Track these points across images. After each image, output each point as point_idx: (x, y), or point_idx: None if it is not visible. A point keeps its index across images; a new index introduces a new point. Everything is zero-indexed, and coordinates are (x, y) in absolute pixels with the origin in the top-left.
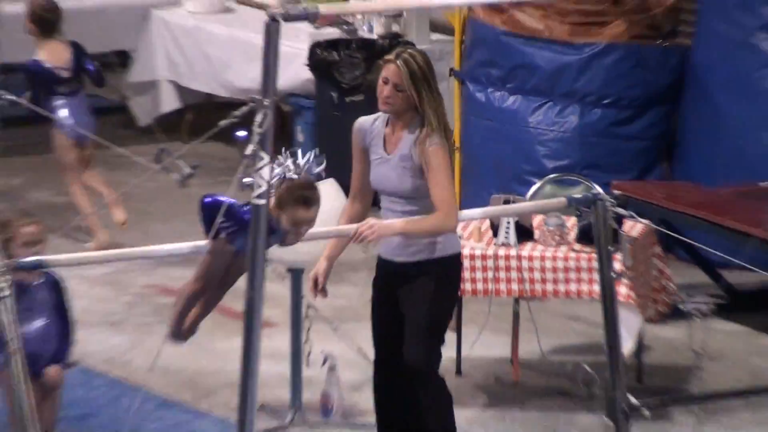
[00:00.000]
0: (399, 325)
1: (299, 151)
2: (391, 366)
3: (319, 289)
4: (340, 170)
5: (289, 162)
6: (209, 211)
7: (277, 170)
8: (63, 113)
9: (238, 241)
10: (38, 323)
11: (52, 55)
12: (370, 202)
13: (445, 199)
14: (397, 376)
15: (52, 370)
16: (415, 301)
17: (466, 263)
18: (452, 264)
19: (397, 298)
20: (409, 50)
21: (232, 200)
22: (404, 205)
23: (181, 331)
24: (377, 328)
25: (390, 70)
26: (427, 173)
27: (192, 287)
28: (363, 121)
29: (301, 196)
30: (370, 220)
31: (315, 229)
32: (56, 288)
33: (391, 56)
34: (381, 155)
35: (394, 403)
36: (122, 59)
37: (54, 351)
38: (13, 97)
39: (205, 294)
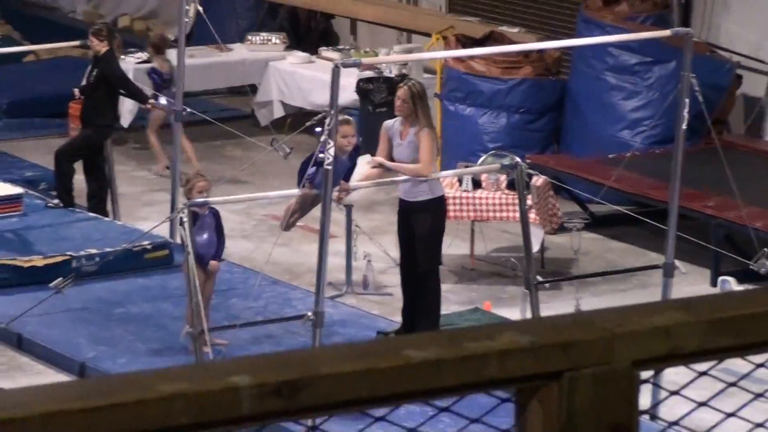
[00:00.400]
0: (412, 239)
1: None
2: (407, 263)
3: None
4: (373, 150)
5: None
6: (302, 166)
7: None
8: (162, 99)
9: (317, 180)
10: (205, 236)
11: (161, 66)
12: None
13: (425, 158)
14: (410, 269)
15: (213, 263)
16: (421, 228)
17: None
18: (441, 201)
19: (411, 223)
20: (412, 81)
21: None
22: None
23: (287, 225)
24: (401, 240)
25: (401, 91)
26: (419, 147)
27: (293, 206)
28: (389, 122)
29: (343, 119)
30: (376, 159)
31: (357, 183)
32: (216, 216)
33: (402, 84)
34: (398, 142)
35: (410, 286)
36: (252, 88)
37: (214, 252)
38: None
39: (300, 210)
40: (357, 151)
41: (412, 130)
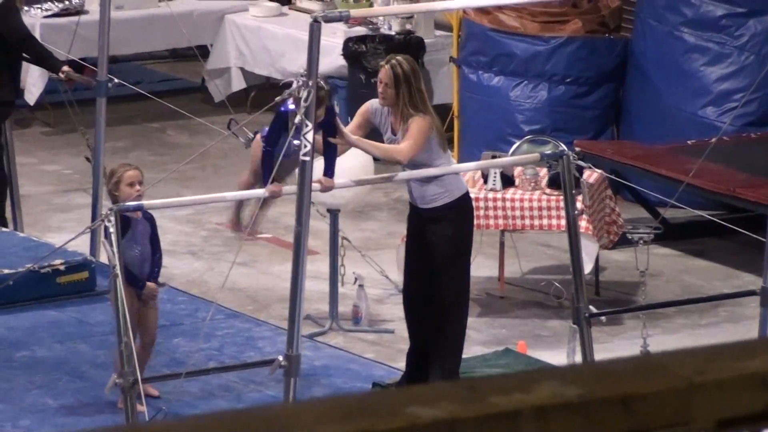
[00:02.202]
0: (423, 258)
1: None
2: (415, 288)
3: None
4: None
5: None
6: (265, 155)
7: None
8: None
9: (281, 142)
10: (138, 250)
11: None
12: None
13: (405, 143)
14: (421, 298)
15: (150, 286)
16: (441, 244)
17: None
18: (463, 203)
19: (425, 237)
20: (397, 57)
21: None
22: (410, 168)
23: (242, 226)
24: (409, 255)
25: (382, 72)
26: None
27: (246, 180)
28: (375, 103)
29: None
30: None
31: (348, 179)
32: (152, 222)
33: (384, 62)
34: (391, 137)
35: (419, 319)
36: (202, 51)
37: (149, 271)
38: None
39: (255, 185)
40: (331, 115)
41: (406, 120)
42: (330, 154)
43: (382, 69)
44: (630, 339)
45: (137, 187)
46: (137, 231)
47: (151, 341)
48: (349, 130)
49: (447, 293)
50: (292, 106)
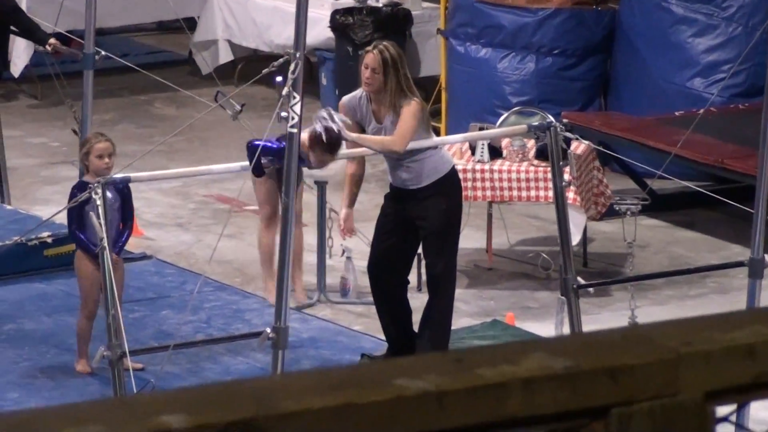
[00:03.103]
0: (405, 234)
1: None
2: (386, 264)
3: (346, 230)
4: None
5: (328, 115)
6: (252, 150)
7: (319, 124)
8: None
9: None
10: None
11: None
12: (364, 161)
13: (400, 132)
14: (392, 278)
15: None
16: (430, 218)
17: None
18: (452, 177)
19: (412, 214)
20: (384, 43)
21: (266, 141)
22: (399, 159)
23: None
24: (384, 234)
25: (369, 58)
26: (400, 120)
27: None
28: (348, 99)
29: (332, 146)
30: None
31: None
32: (122, 192)
33: (370, 47)
34: (375, 126)
35: (391, 295)
36: (189, 23)
37: (113, 240)
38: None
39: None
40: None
41: (397, 106)
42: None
43: (369, 55)
44: (618, 310)
45: (106, 159)
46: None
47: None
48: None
49: (439, 268)
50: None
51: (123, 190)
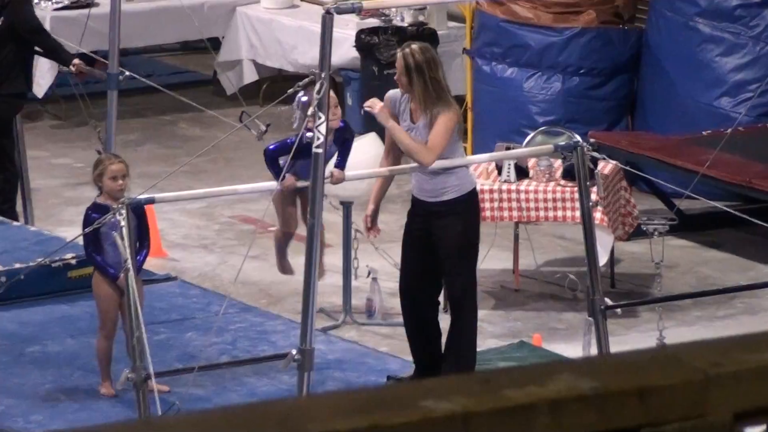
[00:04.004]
0: (428, 253)
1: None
2: (414, 284)
3: (370, 228)
4: (379, 126)
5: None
6: (271, 155)
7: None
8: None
9: (302, 170)
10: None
11: None
12: (400, 156)
13: (434, 143)
14: (422, 300)
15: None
16: (449, 238)
17: None
18: (472, 198)
19: (431, 231)
20: (412, 45)
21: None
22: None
23: (285, 267)
24: (409, 252)
25: (398, 60)
26: (432, 127)
27: (279, 233)
28: (393, 93)
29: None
30: (376, 103)
31: (361, 171)
32: (137, 213)
33: (399, 50)
34: (409, 125)
35: (420, 316)
36: (213, 43)
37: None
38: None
39: (292, 233)
40: (345, 132)
41: (428, 111)
42: (344, 148)
43: (397, 55)
44: (646, 331)
45: (120, 181)
46: (116, 221)
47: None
48: (388, 140)
49: (457, 288)
50: (304, 98)
51: (137, 210)
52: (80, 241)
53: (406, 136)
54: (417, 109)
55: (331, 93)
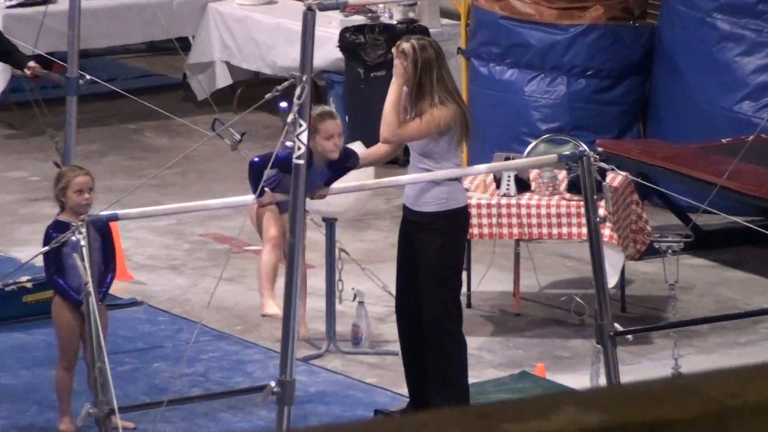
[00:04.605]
0: (414, 268)
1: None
2: (407, 303)
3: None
4: (366, 135)
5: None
6: (256, 169)
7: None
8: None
9: (282, 186)
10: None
11: None
12: (396, 151)
13: (407, 126)
14: (413, 313)
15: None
16: (428, 254)
17: (473, 211)
18: (458, 217)
19: (413, 245)
20: (413, 39)
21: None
22: (420, 161)
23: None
24: (398, 268)
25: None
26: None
27: (268, 257)
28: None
29: (324, 112)
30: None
31: (346, 183)
32: (103, 232)
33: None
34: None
35: (415, 341)
36: (183, 44)
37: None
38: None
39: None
40: (347, 159)
41: (427, 104)
42: (341, 170)
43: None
44: (659, 360)
45: (86, 195)
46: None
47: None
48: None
49: (434, 307)
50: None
51: (103, 229)
52: (37, 262)
53: (395, 102)
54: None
55: (338, 121)
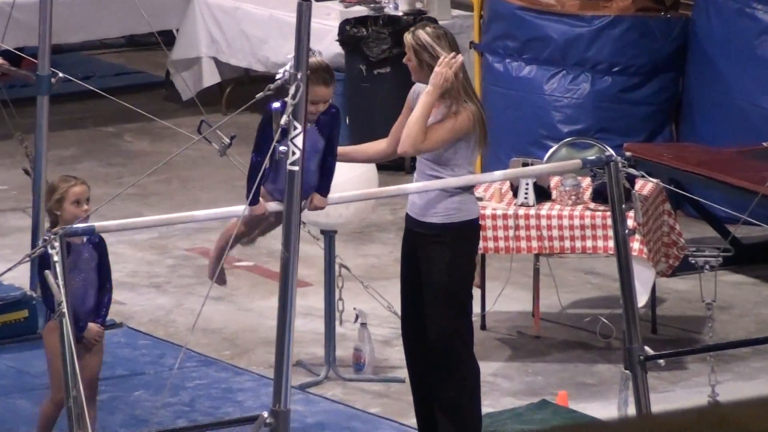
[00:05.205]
0: (420, 286)
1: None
2: (414, 325)
3: None
4: (368, 136)
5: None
6: (252, 170)
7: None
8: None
9: (278, 184)
10: (80, 281)
11: None
12: (393, 154)
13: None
14: (418, 336)
15: (92, 327)
16: (431, 271)
17: (488, 223)
18: (468, 230)
19: (418, 260)
20: (429, 26)
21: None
22: (430, 168)
23: (220, 273)
24: (402, 285)
25: (405, 42)
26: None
27: (232, 229)
28: (420, 86)
29: (323, 76)
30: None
31: (347, 193)
32: (99, 248)
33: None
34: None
35: (424, 367)
36: (166, 38)
37: (93, 308)
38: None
39: (245, 236)
40: (335, 118)
41: (444, 104)
42: (327, 170)
43: (404, 38)
44: (694, 386)
45: (85, 206)
46: (80, 259)
47: (92, 395)
48: (394, 130)
49: (442, 329)
50: (277, 104)
51: (99, 245)
52: (4, 279)
53: (421, 112)
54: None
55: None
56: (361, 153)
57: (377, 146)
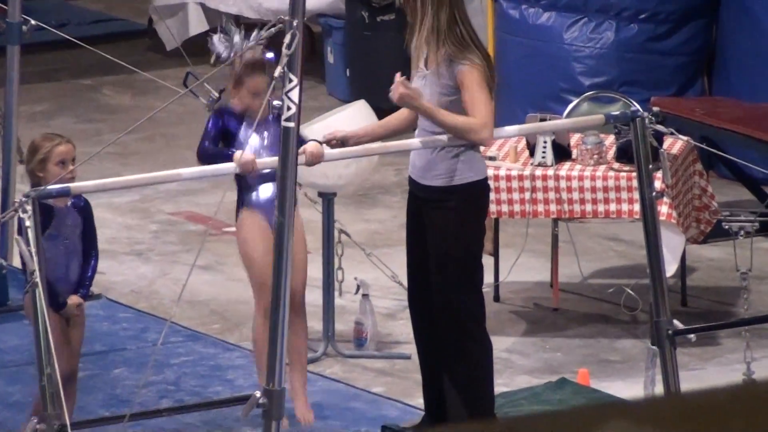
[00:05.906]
0: (426, 254)
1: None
2: (421, 296)
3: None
4: (371, 91)
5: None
6: (206, 154)
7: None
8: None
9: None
10: (63, 248)
11: None
12: (415, 120)
13: (479, 110)
14: (427, 307)
15: (73, 299)
16: (435, 239)
17: (502, 184)
18: (475, 193)
19: (423, 226)
20: None
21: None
22: (431, 125)
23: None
24: (408, 253)
25: None
26: (462, 93)
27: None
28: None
29: (257, 65)
30: (406, 85)
31: (346, 149)
32: (85, 212)
33: None
34: (420, 71)
35: (433, 342)
36: None
37: (77, 279)
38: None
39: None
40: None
41: (443, 53)
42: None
43: None
44: (728, 364)
45: (70, 166)
46: (64, 224)
47: (72, 373)
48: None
49: (450, 302)
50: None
51: (85, 209)
52: None
53: (447, 115)
54: (433, 51)
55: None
56: (390, 128)
57: (402, 116)
